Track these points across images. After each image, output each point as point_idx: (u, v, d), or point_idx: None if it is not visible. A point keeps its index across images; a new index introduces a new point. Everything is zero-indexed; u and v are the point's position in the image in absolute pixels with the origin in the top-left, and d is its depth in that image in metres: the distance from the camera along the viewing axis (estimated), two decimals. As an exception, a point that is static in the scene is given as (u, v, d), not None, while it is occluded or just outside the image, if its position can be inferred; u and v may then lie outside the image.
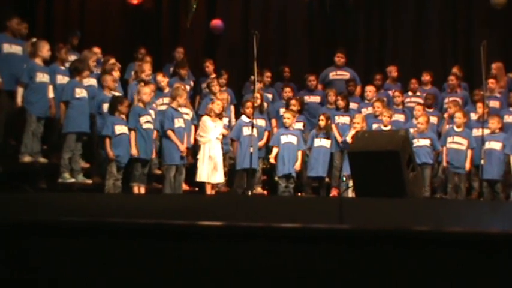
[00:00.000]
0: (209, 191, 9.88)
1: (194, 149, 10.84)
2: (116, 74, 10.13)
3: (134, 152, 9.20)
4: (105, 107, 9.42)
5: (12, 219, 3.11)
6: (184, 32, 13.93)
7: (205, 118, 10.08)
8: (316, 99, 12.06)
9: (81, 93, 9.26)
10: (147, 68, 10.39)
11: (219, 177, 9.92)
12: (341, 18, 14.31)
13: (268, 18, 14.44)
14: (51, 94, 9.39)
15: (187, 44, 13.18)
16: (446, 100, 11.57)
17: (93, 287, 2.93)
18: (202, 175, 9.83)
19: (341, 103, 11.20)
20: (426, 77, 12.27)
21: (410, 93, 12.11)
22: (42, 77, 9.28)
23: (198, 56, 13.46)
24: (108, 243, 2.96)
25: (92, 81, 9.81)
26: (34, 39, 9.68)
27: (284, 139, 10.56)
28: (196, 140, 10.64)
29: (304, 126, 11.23)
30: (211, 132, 9.92)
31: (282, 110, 11.26)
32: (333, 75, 12.42)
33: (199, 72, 12.44)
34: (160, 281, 2.87)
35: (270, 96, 12.17)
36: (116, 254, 2.95)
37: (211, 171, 9.76)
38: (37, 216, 3.52)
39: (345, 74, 12.36)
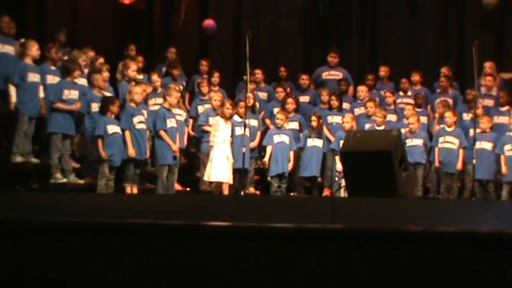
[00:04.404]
0: (226, 190, 9.85)
1: (187, 149, 10.85)
2: (105, 74, 10.11)
3: (132, 152, 9.18)
4: (94, 106, 9.40)
5: (3, 219, 3.10)
6: (177, 32, 13.93)
7: (218, 119, 10.08)
8: (305, 99, 12.05)
9: (69, 94, 9.22)
10: (132, 64, 10.37)
11: (229, 177, 9.90)
12: (334, 18, 14.34)
13: (261, 18, 14.45)
14: (41, 94, 9.37)
15: (180, 44, 13.18)
16: (437, 100, 11.62)
17: (83, 287, 2.93)
18: (213, 175, 9.80)
19: (335, 103, 11.20)
20: (416, 77, 12.29)
21: (401, 93, 12.13)
22: (33, 77, 9.26)
23: (190, 56, 13.46)
24: (100, 244, 2.96)
25: (82, 81, 9.78)
26: (23, 40, 9.65)
27: (277, 139, 10.56)
28: (189, 141, 10.68)
29: (300, 125, 11.22)
30: (224, 133, 9.92)
31: (275, 110, 11.25)
32: (326, 75, 12.42)
33: (192, 72, 12.44)
34: (152, 281, 2.87)
35: (265, 95, 12.18)
36: (108, 254, 2.95)
37: (225, 171, 9.75)
38: (29, 216, 3.51)
39: (338, 74, 12.37)
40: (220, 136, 9.91)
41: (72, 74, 9.32)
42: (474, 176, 9.66)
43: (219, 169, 9.76)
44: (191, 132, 10.90)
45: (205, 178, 9.94)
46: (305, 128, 11.19)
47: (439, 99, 11.41)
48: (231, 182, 9.89)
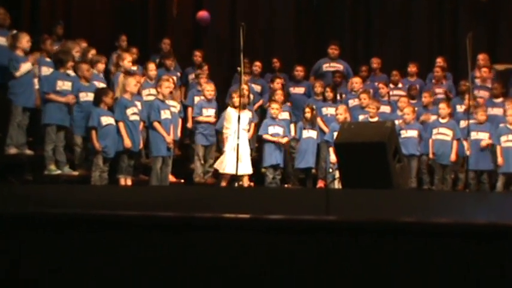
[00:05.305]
0: (225, 182, 9.79)
1: (181, 141, 10.84)
2: (102, 66, 10.08)
3: (128, 143, 9.15)
4: (82, 95, 9.37)
5: (-3, 211, 3.09)
6: (171, 23, 13.90)
7: (229, 109, 10.03)
8: (300, 90, 12.08)
9: (62, 85, 9.19)
10: (127, 55, 10.34)
11: (245, 169, 9.84)
12: (327, 11, 14.33)
13: (256, 9, 14.43)
14: (36, 86, 9.34)
15: (175, 35, 13.15)
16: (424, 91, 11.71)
17: (79, 279, 2.93)
18: (226, 167, 9.75)
19: (330, 94, 11.24)
20: (413, 69, 12.33)
21: (391, 85, 12.16)
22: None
23: (185, 48, 13.43)
24: (94, 235, 2.96)
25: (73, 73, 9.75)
26: (14, 31, 9.61)
27: (271, 130, 10.56)
28: (183, 132, 10.68)
29: (290, 116, 11.23)
30: (235, 124, 9.71)
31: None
32: (326, 67, 12.45)
33: (186, 63, 12.42)
34: (146, 272, 2.87)
35: (259, 88, 12.17)
36: (102, 246, 2.94)
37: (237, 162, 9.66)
38: (22, 208, 3.50)
39: (338, 66, 12.40)
40: (231, 127, 9.83)
41: (65, 65, 9.29)
42: (468, 167, 9.68)
43: (230, 161, 9.69)
44: (189, 125, 10.91)
45: (221, 171, 9.90)
46: (294, 118, 11.22)
47: (425, 90, 11.54)
48: (246, 173, 9.86)
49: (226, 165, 9.79)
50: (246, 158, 9.83)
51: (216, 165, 9.98)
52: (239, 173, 9.63)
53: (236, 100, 9.91)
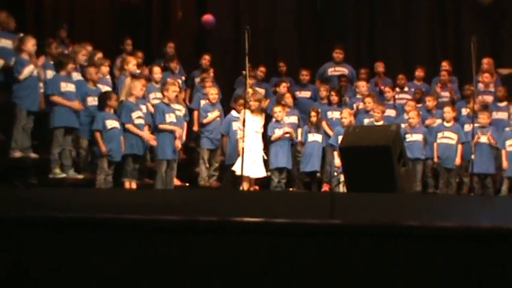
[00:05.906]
0: (246, 185, 9.68)
1: (187, 145, 10.85)
2: (106, 69, 10.09)
3: (149, 137, 9.24)
4: (90, 100, 9.38)
5: (2, 215, 3.10)
6: (176, 27, 13.91)
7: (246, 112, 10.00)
8: (306, 94, 12.10)
9: (66, 87, 9.19)
10: (132, 59, 10.36)
11: (258, 172, 9.80)
12: (330, 13, 14.34)
13: (258, 12, 14.44)
14: (42, 89, 9.36)
15: (179, 39, 13.16)
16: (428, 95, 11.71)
17: (83, 281, 2.93)
18: (239, 169, 9.68)
19: (335, 98, 11.24)
20: (420, 73, 12.33)
21: (397, 89, 12.15)
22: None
23: (189, 51, 13.45)
24: (99, 238, 2.96)
25: (80, 76, 9.76)
26: (21, 35, 9.62)
27: (277, 133, 10.55)
28: (188, 136, 10.68)
29: (298, 120, 11.21)
30: (249, 126, 9.60)
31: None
32: (332, 71, 12.45)
33: (191, 66, 12.42)
34: (151, 275, 2.87)
35: (262, 91, 12.17)
36: (107, 249, 2.95)
37: (250, 165, 9.54)
38: (27, 212, 3.51)
39: (343, 70, 12.40)
40: (246, 130, 9.76)
41: (65, 67, 9.28)
42: (472, 171, 9.66)
43: (246, 163, 9.60)
44: (195, 128, 10.93)
45: (237, 173, 9.83)
46: (303, 123, 11.21)
47: (429, 94, 11.54)
48: (260, 176, 9.84)
49: (238, 167, 9.66)
50: (259, 161, 9.80)
51: (234, 168, 9.84)
52: (253, 176, 9.64)
53: (253, 103, 9.86)
